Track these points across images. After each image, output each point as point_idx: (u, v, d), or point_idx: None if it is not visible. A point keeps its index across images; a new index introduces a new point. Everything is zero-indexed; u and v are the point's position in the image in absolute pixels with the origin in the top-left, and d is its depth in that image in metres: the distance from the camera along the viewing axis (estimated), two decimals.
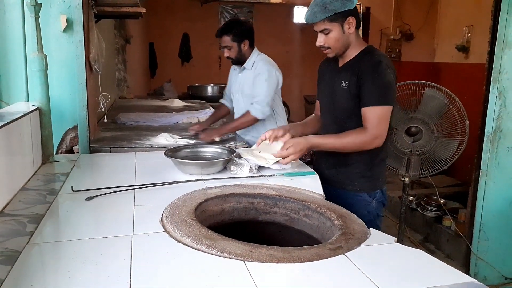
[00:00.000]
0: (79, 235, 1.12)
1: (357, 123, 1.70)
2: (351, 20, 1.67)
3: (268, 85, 2.44)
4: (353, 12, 1.66)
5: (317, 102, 2.00)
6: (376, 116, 1.65)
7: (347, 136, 1.68)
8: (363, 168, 1.78)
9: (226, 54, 2.52)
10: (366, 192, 1.79)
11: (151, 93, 6.26)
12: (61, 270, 0.94)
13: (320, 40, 1.70)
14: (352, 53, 1.74)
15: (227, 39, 2.46)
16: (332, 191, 1.65)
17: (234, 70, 2.68)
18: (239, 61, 2.53)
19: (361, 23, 1.75)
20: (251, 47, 2.53)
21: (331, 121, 1.85)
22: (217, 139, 2.36)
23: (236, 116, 2.66)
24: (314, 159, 2.04)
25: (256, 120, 2.45)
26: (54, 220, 1.26)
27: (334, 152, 1.79)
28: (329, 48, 1.71)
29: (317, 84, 1.96)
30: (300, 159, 2.05)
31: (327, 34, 1.68)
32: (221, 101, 2.84)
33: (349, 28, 1.68)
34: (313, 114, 2.04)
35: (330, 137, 1.72)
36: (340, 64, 1.79)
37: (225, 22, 2.60)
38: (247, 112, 2.45)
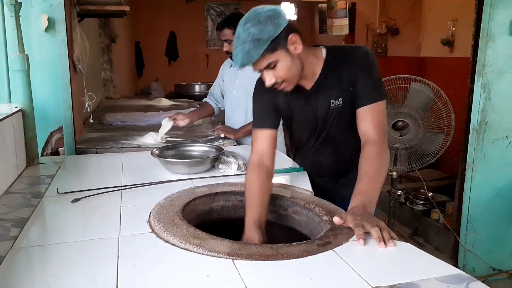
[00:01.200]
0: (64, 238, 1.10)
1: (352, 133, 1.45)
2: (294, 38, 1.32)
3: None
4: (291, 28, 1.32)
5: (259, 134, 1.50)
6: (378, 115, 1.39)
7: (372, 164, 1.31)
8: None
9: (225, 48, 2.41)
10: None
11: (138, 92, 6.21)
12: (46, 274, 0.92)
13: (270, 78, 1.34)
14: (314, 70, 1.44)
15: (228, 32, 2.35)
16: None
17: (229, 67, 2.57)
18: None
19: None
20: None
21: (321, 145, 1.59)
22: (222, 135, 2.40)
23: (230, 114, 2.62)
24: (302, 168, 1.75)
25: None
26: (39, 223, 1.23)
27: (330, 164, 1.63)
28: (284, 81, 1.36)
29: (264, 111, 1.54)
30: (288, 155, 2.05)
31: (274, 67, 1.32)
32: (206, 100, 2.75)
33: (296, 48, 1.33)
34: (253, 184, 1.42)
35: (367, 186, 1.28)
36: (308, 86, 1.47)
37: (227, 15, 2.49)
38: None
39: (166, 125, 2.29)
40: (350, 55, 1.43)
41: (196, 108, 2.83)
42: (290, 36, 1.31)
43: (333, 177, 1.68)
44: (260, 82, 1.49)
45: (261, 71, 1.35)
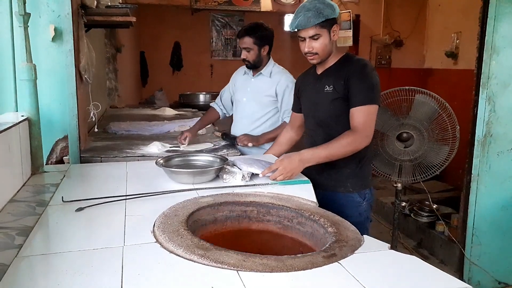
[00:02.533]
0: (69, 247, 1.10)
1: (343, 125, 1.75)
2: (336, 28, 1.75)
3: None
4: (337, 21, 1.77)
5: (293, 114, 2.11)
6: (365, 115, 1.70)
7: (338, 141, 1.70)
8: (353, 167, 1.83)
9: (243, 56, 2.48)
10: (357, 192, 1.84)
11: (143, 102, 6.22)
12: (50, 284, 0.92)
13: (310, 45, 1.75)
14: (331, 60, 1.82)
15: (249, 41, 2.43)
16: (324, 196, 1.66)
17: (242, 74, 2.64)
18: (255, 65, 2.50)
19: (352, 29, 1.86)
20: (268, 55, 2.53)
21: (316, 126, 1.91)
22: (250, 144, 2.44)
23: (239, 121, 2.64)
24: None
25: None
26: (43, 232, 1.23)
27: None
28: (316, 54, 1.77)
29: (294, 97, 2.08)
30: None
31: (316, 39, 1.73)
32: (212, 104, 2.80)
33: (334, 35, 1.76)
34: (284, 132, 2.14)
35: (321, 147, 1.72)
36: (319, 71, 1.87)
37: (249, 24, 2.56)
38: (284, 123, 2.46)
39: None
40: (353, 62, 1.78)
41: (202, 116, 2.85)
42: (334, 25, 1.74)
43: (324, 165, 1.80)
44: (298, 78, 2.05)
45: (302, 40, 1.75)
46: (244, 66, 2.58)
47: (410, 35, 5.52)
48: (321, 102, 1.83)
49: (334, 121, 1.82)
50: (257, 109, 2.53)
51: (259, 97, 2.52)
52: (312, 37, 1.73)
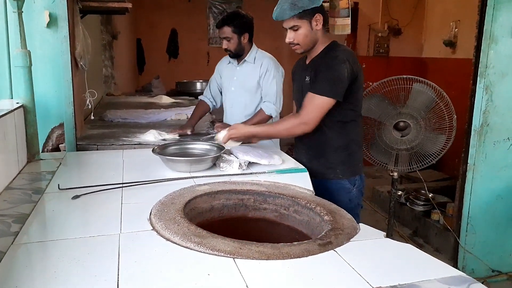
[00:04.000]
0: (65, 234, 1.10)
1: (327, 117, 1.75)
2: (318, 17, 1.73)
3: (277, 82, 2.48)
4: (320, 10, 1.73)
5: (294, 104, 2.07)
6: (312, 104, 1.72)
7: (280, 123, 1.87)
8: (341, 154, 1.84)
9: (224, 45, 2.48)
10: (347, 179, 1.85)
11: (139, 89, 6.19)
12: (47, 271, 0.92)
13: (290, 36, 1.77)
14: (318, 49, 1.82)
15: (227, 30, 2.42)
16: (315, 183, 1.66)
17: (227, 64, 2.63)
18: (237, 54, 2.50)
19: (326, 19, 1.81)
20: (250, 41, 2.51)
21: None
22: (188, 132, 2.41)
23: (229, 110, 2.63)
24: (293, 154, 2.05)
25: (270, 118, 2.47)
26: (40, 219, 1.23)
27: (310, 145, 1.88)
28: (298, 44, 1.78)
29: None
30: (289, 155, 2.05)
31: (296, 30, 1.74)
32: (201, 97, 2.77)
33: (317, 25, 1.74)
34: (291, 114, 2.08)
35: (266, 125, 1.97)
36: (307, 61, 1.87)
37: (227, 13, 2.58)
38: (260, 110, 2.46)
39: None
40: (329, 53, 1.77)
41: (193, 112, 2.81)
42: (316, 15, 1.72)
43: (313, 152, 1.88)
44: (294, 66, 2.03)
45: (286, 30, 1.77)
46: (228, 55, 2.57)
47: (408, 24, 5.49)
48: (304, 93, 1.82)
49: None
50: (247, 97, 2.52)
51: (247, 84, 2.51)
52: (292, 28, 1.74)
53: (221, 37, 2.49)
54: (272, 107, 2.45)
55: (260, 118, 2.44)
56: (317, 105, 1.72)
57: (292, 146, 2.08)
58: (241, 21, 2.44)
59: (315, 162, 1.87)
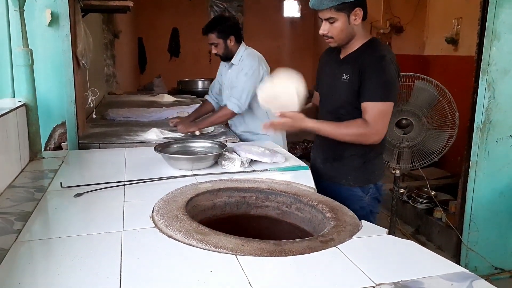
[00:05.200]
0: (68, 232, 1.11)
1: (354, 117, 1.66)
2: (358, 11, 1.60)
3: (247, 80, 2.41)
4: (361, 3, 1.61)
5: (315, 93, 1.95)
6: (378, 112, 1.60)
7: (347, 127, 1.64)
8: (357, 162, 1.76)
9: (213, 51, 2.50)
10: (359, 187, 1.77)
11: (141, 88, 6.20)
12: (50, 268, 0.92)
13: (324, 28, 1.64)
14: (355, 45, 1.69)
15: (212, 37, 2.44)
16: (326, 186, 1.65)
17: (224, 66, 2.65)
18: (227, 57, 2.51)
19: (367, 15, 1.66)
20: (238, 42, 2.50)
21: (328, 113, 1.80)
22: (197, 132, 2.39)
23: None
24: (310, 153, 2.00)
25: (233, 114, 2.45)
26: (42, 217, 1.23)
27: (330, 146, 1.77)
28: (332, 37, 1.65)
29: (316, 75, 1.92)
30: (292, 153, 2.05)
31: (332, 23, 1.61)
32: (206, 97, 2.82)
33: (355, 19, 1.61)
34: (310, 103, 1.96)
35: (329, 124, 1.67)
36: (342, 55, 1.74)
37: (210, 20, 2.59)
38: (224, 106, 2.45)
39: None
40: (374, 52, 1.64)
41: (196, 108, 2.85)
42: (356, 9, 1.60)
43: (329, 156, 1.80)
44: (321, 56, 1.91)
45: (321, 21, 1.64)
46: None
47: (410, 21, 5.47)
48: (337, 90, 1.72)
49: (345, 114, 1.71)
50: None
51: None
52: (328, 20, 1.61)
53: (208, 43, 2.50)
54: (235, 104, 2.40)
55: (223, 113, 2.44)
56: (382, 112, 1.60)
57: (294, 144, 2.08)
58: (224, 25, 2.44)
59: (329, 165, 1.82)
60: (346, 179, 1.78)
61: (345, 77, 1.68)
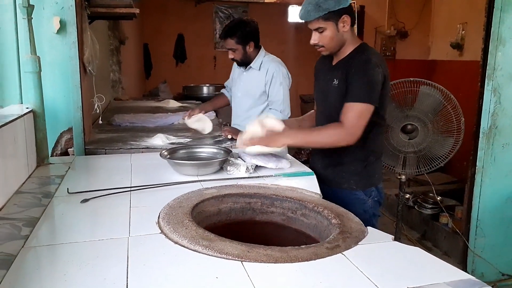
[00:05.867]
0: (75, 237, 1.11)
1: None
2: (346, 18, 1.66)
3: (284, 88, 2.44)
4: (348, 10, 1.66)
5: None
6: (355, 113, 1.62)
7: (321, 131, 1.71)
8: (358, 165, 1.78)
9: (230, 56, 2.46)
10: (361, 190, 1.79)
11: (146, 94, 6.23)
12: (57, 274, 0.93)
13: (315, 38, 1.70)
14: (346, 51, 1.74)
15: (231, 42, 2.39)
16: (328, 191, 1.65)
17: (237, 67, 2.63)
18: (244, 62, 2.49)
19: (356, 20, 1.74)
20: (257, 47, 2.48)
21: (324, 119, 1.81)
22: (229, 136, 2.39)
23: (235, 113, 2.64)
24: (310, 159, 2.03)
25: None
26: (49, 223, 1.24)
27: (328, 152, 1.80)
28: (323, 46, 1.71)
29: (314, 82, 1.96)
30: (296, 158, 2.05)
31: (321, 32, 1.67)
32: (222, 91, 2.81)
33: (344, 26, 1.67)
34: (312, 110, 2.02)
35: (303, 133, 1.78)
36: (334, 62, 1.79)
37: (229, 23, 2.51)
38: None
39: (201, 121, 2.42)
40: (360, 55, 1.69)
41: (211, 99, 2.86)
42: (343, 16, 1.65)
43: (329, 162, 1.83)
44: (316, 63, 1.94)
45: (311, 30, 1.69)
46: None
47: (415, 26, 5.47)
48: (330, 95, 1.77)
49: (339, 118, 1.71)
50: (251, 103, 2.52)
51: (251, 91, 2.51)
52: (317, 30, 1.67)
53: (226, 47, 2.47)
54: (279, 115, 2.39)
55: None
56: (359, 112, 1.62)
57: (299, 149, 2.09)
58: (244, 31, 2.39)
59: (330, 170, 1.83)
60: (349, 183, 1.80)
61: (335, 82, 1.72)
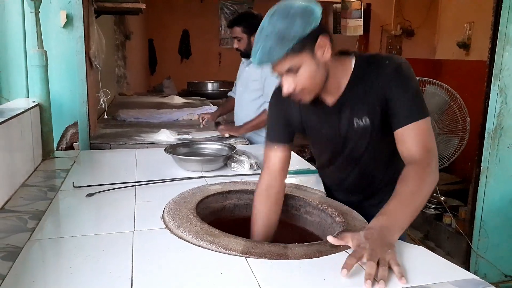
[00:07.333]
0: (80, 231, 1.12)
1: (376, 158, 1.34)
2: (322, 41, 1.12)
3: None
4: (321, 30, 1.12)
5: (272, 151, 1.35)
6: (421, 134, 1.16)
7: (415, 192, 1.10)
8: (393, 183, 1.16)
9: (235, 45, 2.51)
10: None
11: (151, 89, 6.24)
12: (62, 266, 0.94)
13: (289, 83, 1.15)
14: (342, 82, 1.22)
15: (237, 30, 2.45)
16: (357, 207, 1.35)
17: (242, 64, 2.67)
18: (247, 53, 2.51)
19: (333, 41, 1.15)
20: None
21: (346, 162, 1.39)
22: (226, 135, 2.40)
23: (236, 109, 2.65)
24: (322, 179, 1.61)
25: None
26: (55, 216, 1.25)
27: (356, 185, 1.45)
28: (303, 89, 1.16)
29: (281, 125, 1.36)
30: (301, 156, 2.05)
31: (296, 72, 1.13)
32: (230, 94, 2.84)
33: (324, 53, 1.13)
34: (258, 201, 1.37)
35: (393, 208, 1.06)
36: (331, 101, 1.26)
37: (239, 13, 2.61)
38: (265, 111, 2.45)
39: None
40: (381, 67, 1.20)
41: (222, 104, 2.89)
42: (319, 39, 1.11)
43: (358, 196, 1.47)
44: (276, 92, 1.35)
45: (280, 75, 1.16)
46: None
47: (421, 25, 5.44)
48: (352, 139, 1.30)
49: (368, 159, 1.35)
50: (250, 97, 2.53)
51: (249, 85, 2.52)
52: (289, 72, 1.14)
53: (232, 36, 2.52)
54: None
55: (264, 118, 2.41)
56: (425, 131, 1.16)
57: (303, 147, 2.04)
58: (251, 21, 2.43)
59: (367, 203, 1.45)
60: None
61: (360, 122, 1.25)
